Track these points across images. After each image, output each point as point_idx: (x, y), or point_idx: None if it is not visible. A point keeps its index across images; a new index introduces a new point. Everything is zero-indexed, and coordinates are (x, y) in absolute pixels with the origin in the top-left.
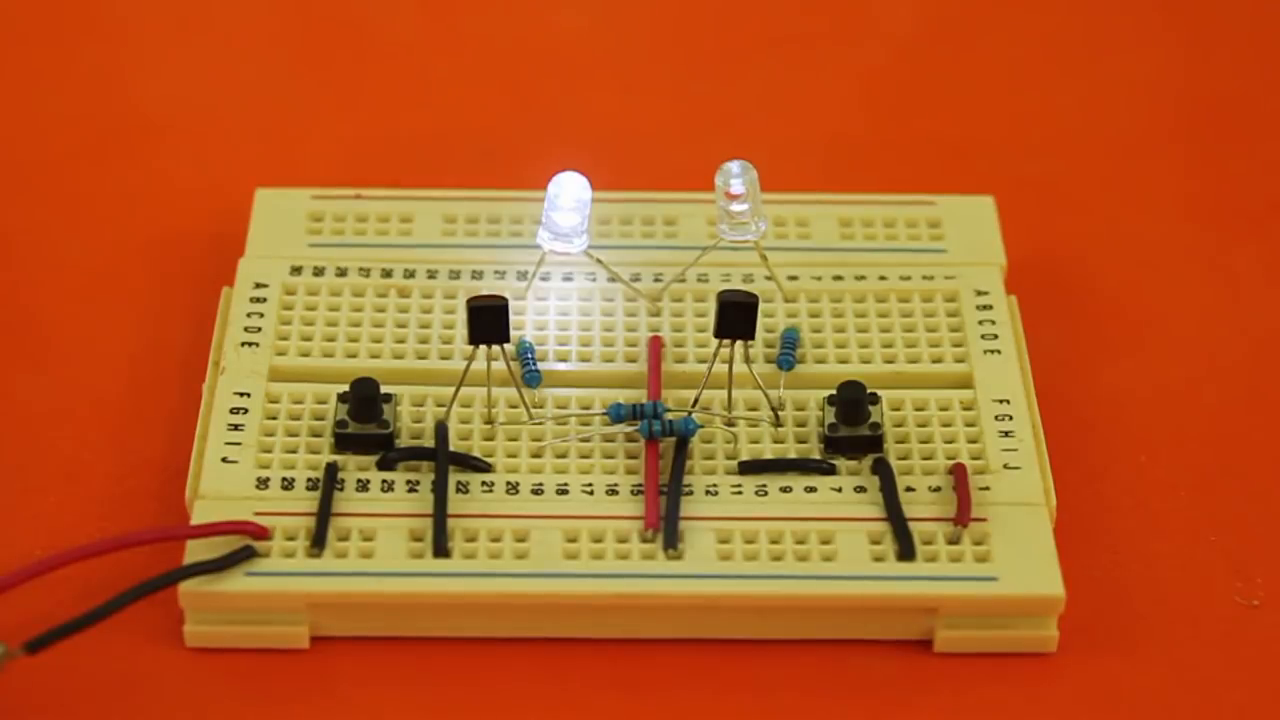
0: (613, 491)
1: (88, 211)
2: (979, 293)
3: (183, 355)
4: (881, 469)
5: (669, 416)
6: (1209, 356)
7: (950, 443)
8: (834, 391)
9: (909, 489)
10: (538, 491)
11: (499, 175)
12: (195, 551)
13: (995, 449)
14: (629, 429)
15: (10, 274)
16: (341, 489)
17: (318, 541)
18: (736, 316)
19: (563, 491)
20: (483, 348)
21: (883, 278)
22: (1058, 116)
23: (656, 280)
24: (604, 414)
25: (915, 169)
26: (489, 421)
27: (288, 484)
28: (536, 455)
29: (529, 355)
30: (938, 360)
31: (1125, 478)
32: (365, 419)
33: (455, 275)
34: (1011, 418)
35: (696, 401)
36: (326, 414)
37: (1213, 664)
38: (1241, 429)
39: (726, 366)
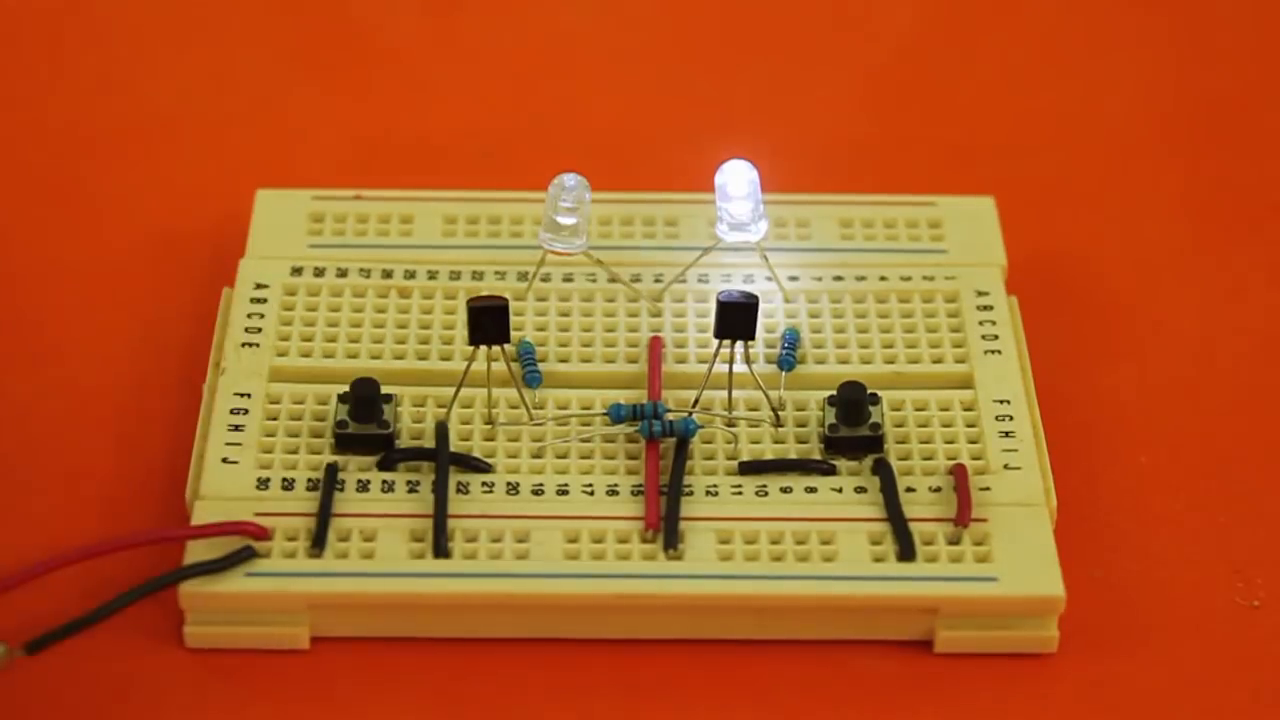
0: (613, 492)
1: (88, 211)
2: (979, 293)
3: (183, 355)
4: (882, 469)
5: (669, 417)
6: (1209, 357)
7: (950, 443)
8: (834, 392)
9: (909, 489)
10: (538, 492)
11: (499, 175)
12: (195, 552)
13: (995, 449)
14: (629, 429)
15: (10, 274)
16: (342, 489)
17: (318, 542)
18: (736, 317)
19: (563, 492)
20: (483, 348)
21: (883, 278)
22: (1058, 116)
23: (657, 280)
24: (604, 414)
25: (915, 169)
26: (489, 422)
27: (288, 484)
28: (537, 456)
29: (529, 356)
30: (938, 360)
31: (1125, 478)
32: (365, 419)
33: (455, 275)
34: (1011, 418)
35: (697, 402)
36: (327, 414)
37: (1213, 664)
38: (1241, 429)
39: (727, 367)
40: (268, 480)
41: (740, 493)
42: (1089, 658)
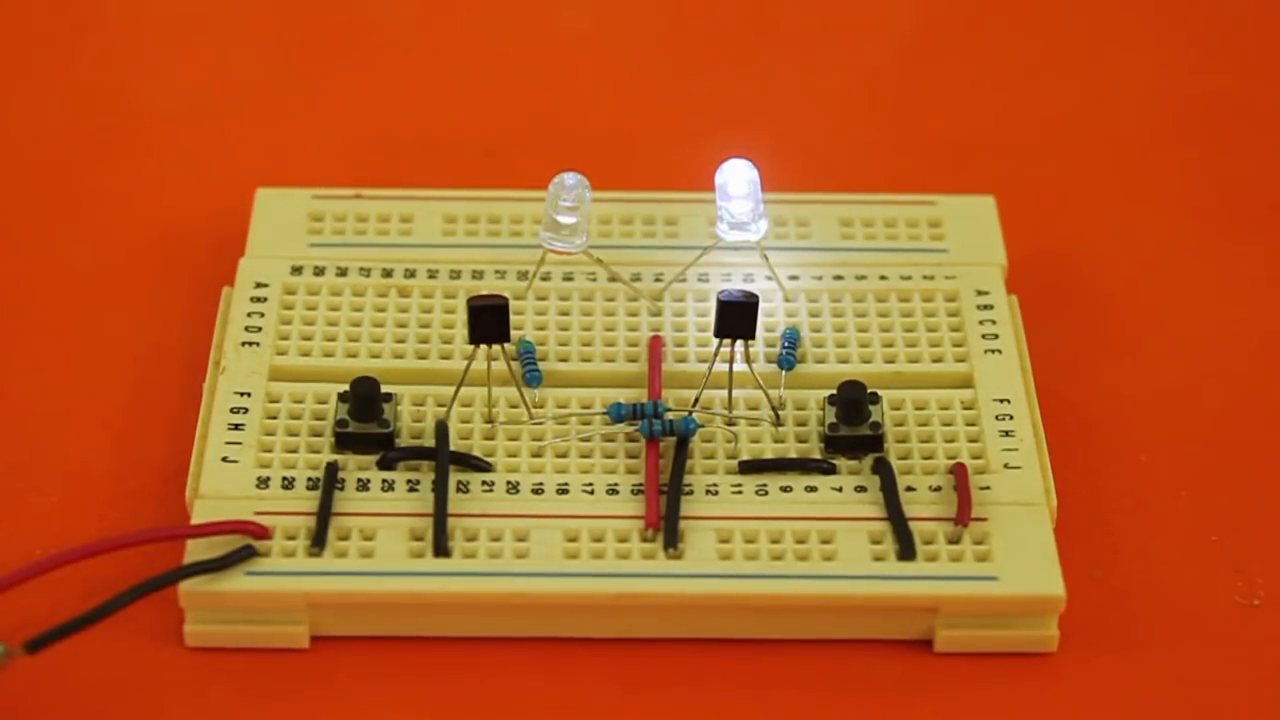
0: (613, 491)
1: (88, 212)
2: (979, 292)
3: (183, 355)
4: (882, 469)
5: (669, 416)
6: (1209, 356)
7: (950, 442)
8: (834, 391)
9: (909, 489)
10: (538, 491)
11: (499, 175)
12: (195, 551)
13: (995, 449)
14: (629, 429)
15: (11, 274)
16: (342, 488)
17: (318, 541)
18: (736, 316)
19: (563, 491)
20: (483, 347)
21: (883, 278)
22: (1058, 116)
23: (657, 280)
24: (604, 413)
25: (915, 169)
26: (489, 421)
27: (288, 483)
28: (537, 455)
29: (529, 355)
30: (938, 360)
31: (1125, 478)
32: (365, 418)
33: (455, 275)
34: (1012, 417)
35: (697, 401)
36: (327, 413)
37: (1213, 664)
38: (1241, 429)
39: (727, 366)
40: (268, 479)
41: (740, 492)
42: (1089, 658)
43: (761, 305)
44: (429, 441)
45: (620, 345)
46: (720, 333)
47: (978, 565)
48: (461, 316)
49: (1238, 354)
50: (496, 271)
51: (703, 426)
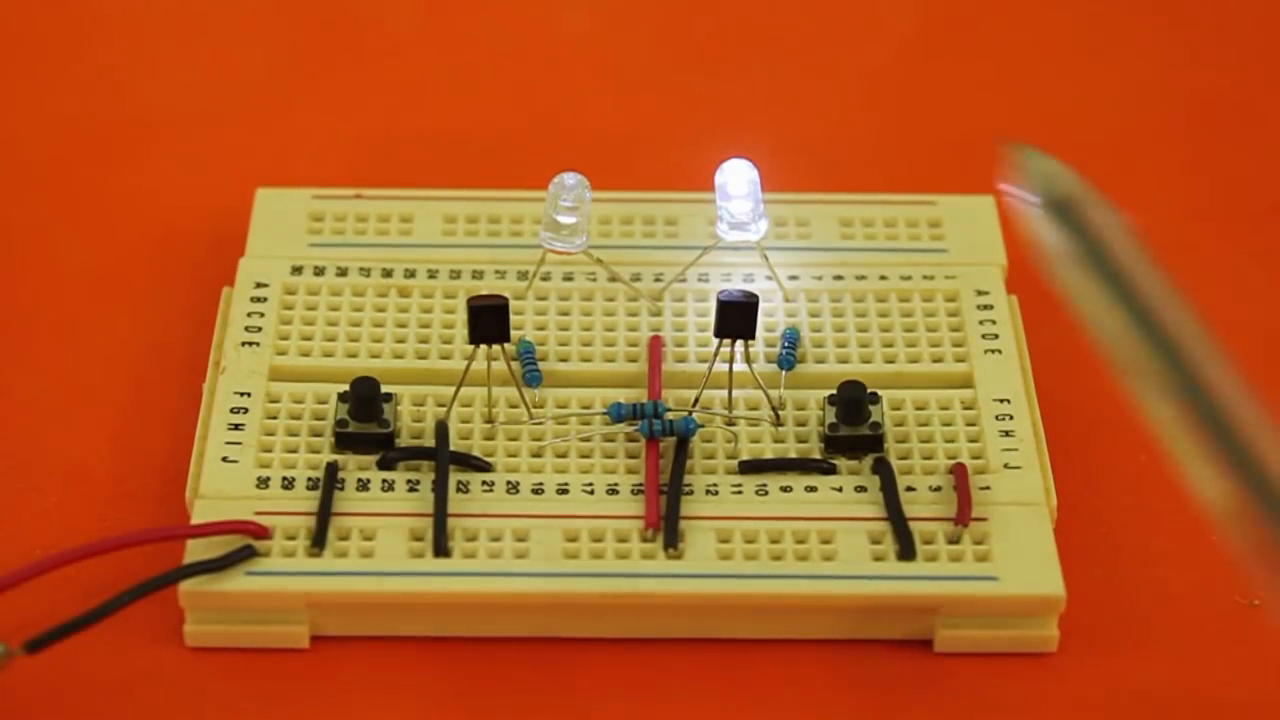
0: (613, 491)
1: (88, 212)
2: (979, 292)
3: (183, 355)
4: (882, 469)
5: (669, 416)
6: None
7: (950, 442)
8: (834, 391)
9: (909, 489)
10: (538, 491)
11: (499, 175)
12: (195, 551)
13: (995, 449)
14: (629, 428)
15: (11, 274)
16: (342, 488)
17: (318, 541)
18: (736, 316)
19: (563, 491)
20: (483, 347)
21: (883, 277)
22: (1058, 116)
23: (657, 280)
24: (604, 413)
25: (915, 169)
26: (489, 421)
27: (288, 483)
28: (537, 455)
29: (529, 355)
30: (938, 360)
31: (1125, 478)
32: (365, 418)
33: (455, 275)
34: (1012, 417)
35: (697, 401)
36: (327, 414)
37: (1213, 663)
38: None
39: (727, 366)
40: (268, 479)
41: (740, 492)
42: (1089, 657)
43: (761, 305)
44: (429, 441)
45: (620, 345)
46: (720, 333)
47: (978, 565)
48: (461, 316)
49: (1239, 354)
50: (496, 271)
51: (703, 426)
